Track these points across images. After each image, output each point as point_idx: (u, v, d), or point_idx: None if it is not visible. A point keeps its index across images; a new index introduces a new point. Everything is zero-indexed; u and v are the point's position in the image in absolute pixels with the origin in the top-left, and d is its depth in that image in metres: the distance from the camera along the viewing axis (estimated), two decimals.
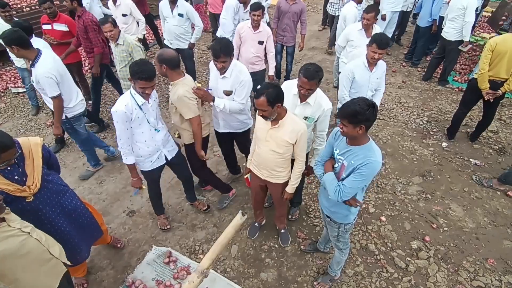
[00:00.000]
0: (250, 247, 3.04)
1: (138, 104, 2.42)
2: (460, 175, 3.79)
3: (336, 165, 2.08)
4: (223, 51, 2.55)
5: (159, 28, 6.51)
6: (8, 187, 1.87)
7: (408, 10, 6.19)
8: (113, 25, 3.51)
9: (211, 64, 2.84)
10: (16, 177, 1.92)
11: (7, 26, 4.22)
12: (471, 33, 5.07)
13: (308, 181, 3.72)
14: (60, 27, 4.25)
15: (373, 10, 3.74)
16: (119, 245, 3.04)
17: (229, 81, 2.75)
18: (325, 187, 2.09)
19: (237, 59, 4.00)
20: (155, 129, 2.62)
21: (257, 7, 3.91)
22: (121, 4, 4.84)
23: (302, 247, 2.99)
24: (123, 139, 2.47)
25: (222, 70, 2.69)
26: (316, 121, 2.50)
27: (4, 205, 1.73)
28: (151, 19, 6.38)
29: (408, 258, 2.92)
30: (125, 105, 2.37)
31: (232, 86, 2.77)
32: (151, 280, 2.79)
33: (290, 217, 3.26)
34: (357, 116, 1.77)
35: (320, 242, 2.90)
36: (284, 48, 5.17)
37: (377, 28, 3.94)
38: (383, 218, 3.27)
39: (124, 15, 4.86)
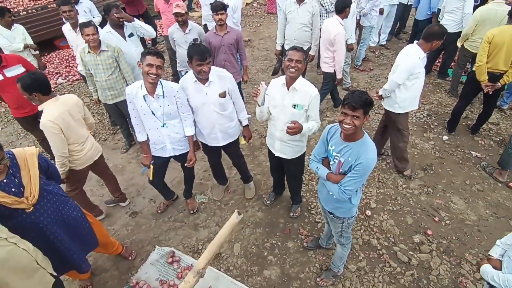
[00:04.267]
0: (253, 245, 3.05)
1: (143, 95, 2.54)
2: (461, 168, 3.78)
3: (332, 162, 2.09)
4: (207, 52, 2.48)
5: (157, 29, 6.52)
6: (5, 199, 1.84)
7: (408, 3, 6.14)
8: (96, 29, 3.36)
9: (184, 81, 2.70)
10: (13, 189, 1.89)
11: (7, 32, 4.21)
12: None
13: (309, 177, 3.72)
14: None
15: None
16: (130, 258, 3.00)
17: (216, 83, 2.68)
18: (327, 186, 2.11)
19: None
20: (162, 124, 2.68)
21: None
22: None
23: (304, 244, 3.00)
24: (132, 118, 2.71)
25: (207, 75, 2.58)
26: (306, 110, 2.47)
27: None
28: (149, 17, 6.35)
29: (411, 252, 2.93)
30: (132, 88, 2.57)
31: (223, 86, 2.71)
32: (155, 280, 2.81)
33: (291, 214, 3.27)
34: (370, 104, 1.81)
35: (322, 239, 2.91)
36: None
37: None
38: (385, 213, 3.28)
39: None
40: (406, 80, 3.18)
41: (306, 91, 2.41)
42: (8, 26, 4.25)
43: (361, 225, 3.18)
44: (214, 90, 2.68)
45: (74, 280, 2.80)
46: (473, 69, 3.76)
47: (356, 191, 2.05)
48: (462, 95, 4.13)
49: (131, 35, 3.94)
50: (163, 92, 2.56)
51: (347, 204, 2.13)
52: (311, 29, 4.31)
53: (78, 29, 3.67)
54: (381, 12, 5.66)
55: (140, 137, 2.83)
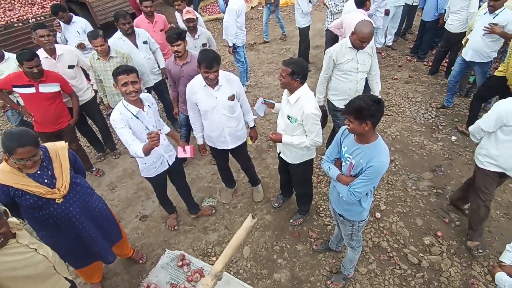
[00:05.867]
0: (262, 248, 3.06)
1: (133, 114, 2.40)
2: (470, 168, 3.74)
3: (344, 163, 2.09)
4: (215, 60, 2.47)
5: None
6: (40, 189, 1.95)
7: (414, 4, 6.12)
8: (104, 39, 3.42)
9: (193, 86, 2.68)
10: (46, 181, 2.00)
11: None
12: None
13: (317, 180, 3.73)
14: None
15: None
16: (141, 261, 3.02)
17: (225, 87, 2.69)
18: (337, 188, 2.11)
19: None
20: None
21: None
22: (63, 53, 3.59)
23: (314, 246, 3.00)
24: (129, 141, 2.34)
25: (215, 81, 2.59)
26: (301, 124, 2.45)
27: (18, 222, 1.79)
28: None
29: (421, 254, 2.91)
30: (120, 112, 2.37)
31: (231, 90, 2.73)
32: (165, 284, 2.83)
33: (291, 221, 3.26)
34: (362, 112, 1.78)
35: (332, 241, 2.90)
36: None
37: None
38: (394, 215, 3.27)
39: (70, 66, 3.65)
40: (498, 130, 2.43)
41: (301, 106, 2.37)
42: None
43: (370, 227, 3.17)
44: (224, 94, 2.70)
45: (86, 283, 2.84)
46: (495, 73, 3.69)
47: (366, 194, 2.05)
48: (479, 97, 4.06)
49: (145, 42, 3.96)
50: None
51: (357, 207, 2.13)
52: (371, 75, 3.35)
53: (57, 55, 3.50)
54: (387, 13, 5.65)
55: (139, 149, 2.32)
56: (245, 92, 5.33)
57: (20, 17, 6.14)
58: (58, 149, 2.12)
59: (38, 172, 1.99)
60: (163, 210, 3.38)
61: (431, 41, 5.97)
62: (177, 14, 4.86)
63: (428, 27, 5.67)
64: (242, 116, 2.98)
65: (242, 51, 5.14)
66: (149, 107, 2.54)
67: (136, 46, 3.88)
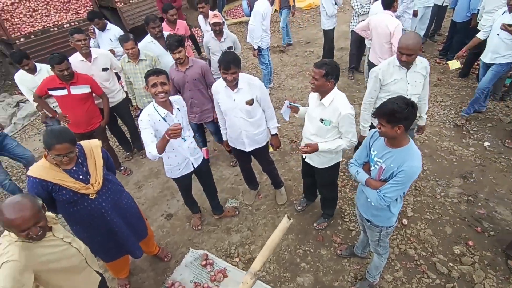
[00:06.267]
0: (285, 251, 3.05)
1: (161, 116, 2.47)
2: (506, 176, 3.57)
3: (373, 167, 2.06)
4: (232, 62, 2.50)
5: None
6: (75, 185, 2.07)
7: (444, 4, 5.91)
8: (134, 42, 3.53)
9: (217, 86, 2.79)
10: (81, 176, 2.11)
11: (28, 77, 3.77)
12: None
13: (341, 184, 3.67)
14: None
15: None
16: (166, 259, 3.09)
17: (245, 91, 2.71)
18: (365, 192, 2.07)
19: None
20: (182, 138, 2.65)
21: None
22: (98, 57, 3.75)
23: (338, 251, 2.96)
24: (148, 141, 2.39)
25: (233, 83, 2.62)
26: (335, 126, 2.43)
27: (54, 216, 1.89)
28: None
29: (451, 264, 2.80)
30: (148, 114, 2.45)
31: (251, 94, 2.73)
32: (189, 282, 2.88)
33: (314, 224, 3.22)
34: (395, 115, 1.74)
35: (357, 247, 2.85)
36: (204, 126, 3.89)
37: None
38: (422, 222, 3.16)
39: (104, 69, 3.81)
40: None
41: (336, 108, 2.35)
42: (31, 71, 3.76)
43: (397, 234, 3.08)
44: (242, 97, 2.72)
45: (113, 278, 2.94)
46: None
47: (396, 200, 2.00)
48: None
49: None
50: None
51: (386, 213, 2.08)
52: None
53: (92, 58, 3.66)
54: (415, 14, 5.50)
55: (154, 151, 2.37)
56: (269, 94, 5.38)
57: (56, 23, 6.46)
58: (93, 146, 2.23)
59: (74, 168, 2.10)
60: (187, 210, 3.45)
61: (462, 43, 5.73)
62: (200, 17, 4.96)
63: (459, 28, 5.46)
64: (263, 121, 2.95)
65: (267, 53, 5.17)
66: (179, 110, 2.60)
67: (165, 49, 4.00)
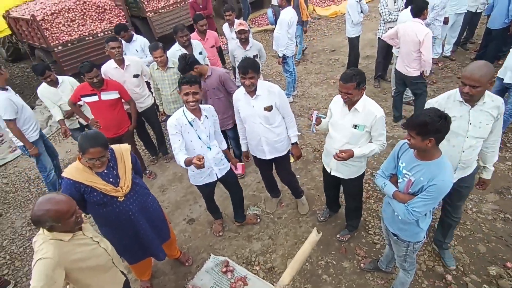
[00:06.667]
0: (307, 262, 2.99)
1: (188, 120, 2.56)
2: None
3: (401, 180, 1.99)
4: (250, 67, 2.53)
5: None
6: (106, 187, 2.17)
7: (478, 11, 5.67)
8: (163, 50, 3.65)
9: (237, 94, 2.85)
10: (111, 179, 2.21)
11: (51, 90, 3.88)
12: None
13: (366, 195, 3.57)
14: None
15: None
16: (187, 263, 3.13)
17: (263, 97, 2.72)
18: (392, 205, 2.00)
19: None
20: (207, 147, 2.72)
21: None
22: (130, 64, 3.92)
23: (361, 265, 2.87)
24: (177, 149, 2.56)
25: (251, 88, 2.64)
26: (368, 130, 2.40)
27: (83, 215, 1.95)
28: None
29: (486, 285, 2.62)
30: (176, 118, 2.57)
31: (270, 101, 2.73)
32: None
33: (338, 236, 3.15)
34: (426, 127, 1.68)
35: (381, 261, 2.75)
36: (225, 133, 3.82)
37: None
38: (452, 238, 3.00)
39: (135, 75, 3.99)
40: None
41: (370, 111, 2.33)
42: (53, 84, 3.88)
43: (424, 249, 2.95)
44: (261, 103, 2.74)
45: (136, 280, 3.00)
46: None
47: (425, 214, 1.92)
48: None
49: (200, 53, 4.14)
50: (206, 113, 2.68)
51: (414, 227, 2.00)
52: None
53: (125, 65, 3.83)
54: (446, 21, 5.32)
55: (183, 160, 2.50)
56: (292, 102, 5.37)
57: (91, 32, 6.80)
58: (123, 150, 2.33)
59: (105, 171, 2.19)
60: (209, 215, 3.48)
61: (497, 51, 5.47)
62: (225, 26, 5.05)
63: (495, 35, 5.21)
64: (283, 129, 2.93)
65: (291, 61, 5.18)
66: (206, 117, 2.67)
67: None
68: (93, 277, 1.98)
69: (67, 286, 2.00)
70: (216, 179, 2.92)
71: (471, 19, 5.83)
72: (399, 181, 2.00)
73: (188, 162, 2.43)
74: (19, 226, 4.01)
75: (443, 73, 5.73)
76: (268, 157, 3.01)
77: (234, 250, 3.22)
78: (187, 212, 3.76)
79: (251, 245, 3.24)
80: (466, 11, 5.54)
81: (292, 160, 3.13)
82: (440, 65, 5.92)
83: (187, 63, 3.13)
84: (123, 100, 3.75)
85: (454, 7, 5.36)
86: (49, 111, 4.27)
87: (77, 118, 3.85)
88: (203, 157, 2.33)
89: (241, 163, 2.92)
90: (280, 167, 3.21)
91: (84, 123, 3.92)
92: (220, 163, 2.89)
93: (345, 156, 2.36)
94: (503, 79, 3.78)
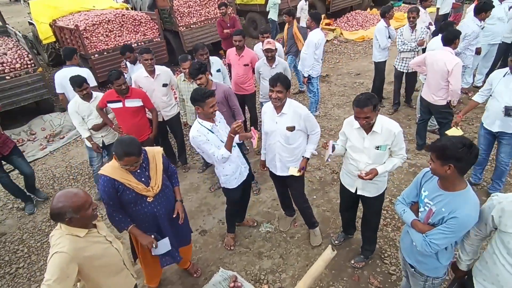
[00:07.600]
0: (316, 286, 2.89)
1: (208, 129, 2.69)
2: None
3: (422, 209, 1.91)
4: (279, 80, 2.57)
5: None
6: (138, 186, 2.29)
7: None
8: (191, 63, 3.74)
9: (266, 107, 2.92)
10: (142, 179, 2.32)
11: (84, 105, 3.83)
12: None
13: (384, 223, 3.45)
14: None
15: None
16: (195, 275, 3.12)
17: (288, 116, 2.73)
18: (410, 235, 1.92)
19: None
20: (232, 146, 2.80)
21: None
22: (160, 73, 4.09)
23: None
24: (215, 151, 2.67)
25: (278, 102, 2.65)
26: (389, 147, 2.40)
27: (96, 213, 2.00)
28: None
29: None
30: (197, 130, 2.66)
31: (292, 121, 2.73)
32: None
33: (352, 262, 3.03)
34: (445, 151, 1.63)
35: None
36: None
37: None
38: None
39: (164, 85, 4.14)
40: None
41: (388, 129, 2.33)
42: (87, 98, 3.79)
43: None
44: (284, 121, 2.76)
45: (144, 286, 3.01)
46: None
47: (445, 248, 1.82)
48: None
49: (218, 70, 4.25)
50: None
51: (433, 261, 1.90)
52: None
53: (155, 75, 4.00)
54: (478, 52, 5.20)
55: (226, 152, 2.69)
56: None
57: (126, 42, 7.21)
58: (155, 152, 2.45)
59: (138, 171, 2.31)
60: (222, 228, 3.47)
61: None
62: (257, 45, 5.10)
63: None
64: (301, 151, 2.90)
65: (316, 82, 5.22)
66: (219, 122, 2.85)
67: (210, 74, 4.18)
68: (104, 276, 2.00)
69: (78, 284, 2.03)
70: (245, 178, 3.04)
71: (506, 50, 5.67)
72: (420, 210, 1.92)
73: (229, 146, 2.64)
74: (39, 221, 4.15)
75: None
76: (279, 173, 3.02)
77: (243, 266, 3.17)
78: (200, 223, 3.76)
79: (261, 262, 3.18)
80: (501, 42, 5.40)
81: (294, 172, 2.92)
82: (470, 94, 5.75)
83: (197, 67, 3.27)
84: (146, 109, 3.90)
85: (488, 38, 5.26)
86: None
87: (101, 136, 4.00)
88: (238, 121, 2.57)
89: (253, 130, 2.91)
90: (291, 186, 3.17)
91: (106, 143, 4.06)
92: (243, 160, 3.05)
93: (371, 176, 2.41)
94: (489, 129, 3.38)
